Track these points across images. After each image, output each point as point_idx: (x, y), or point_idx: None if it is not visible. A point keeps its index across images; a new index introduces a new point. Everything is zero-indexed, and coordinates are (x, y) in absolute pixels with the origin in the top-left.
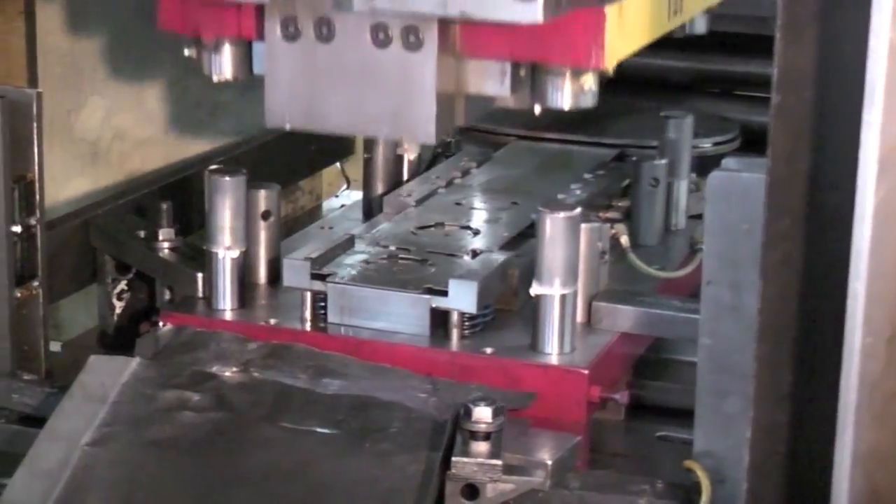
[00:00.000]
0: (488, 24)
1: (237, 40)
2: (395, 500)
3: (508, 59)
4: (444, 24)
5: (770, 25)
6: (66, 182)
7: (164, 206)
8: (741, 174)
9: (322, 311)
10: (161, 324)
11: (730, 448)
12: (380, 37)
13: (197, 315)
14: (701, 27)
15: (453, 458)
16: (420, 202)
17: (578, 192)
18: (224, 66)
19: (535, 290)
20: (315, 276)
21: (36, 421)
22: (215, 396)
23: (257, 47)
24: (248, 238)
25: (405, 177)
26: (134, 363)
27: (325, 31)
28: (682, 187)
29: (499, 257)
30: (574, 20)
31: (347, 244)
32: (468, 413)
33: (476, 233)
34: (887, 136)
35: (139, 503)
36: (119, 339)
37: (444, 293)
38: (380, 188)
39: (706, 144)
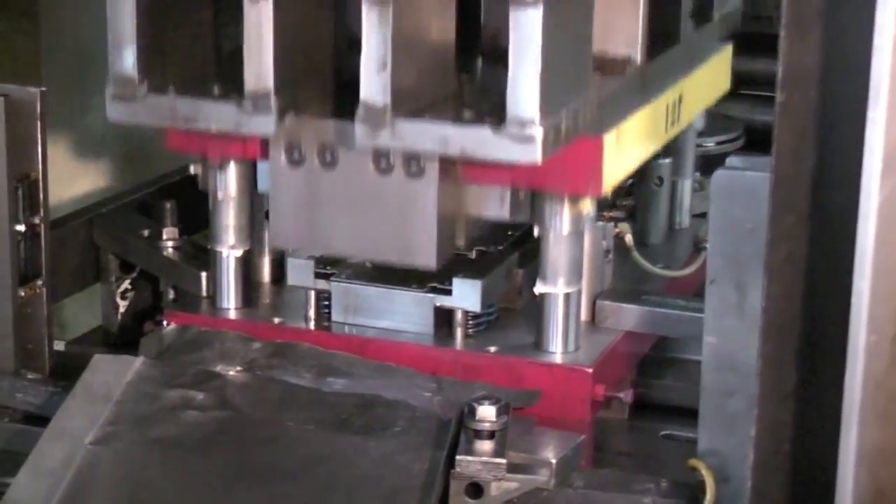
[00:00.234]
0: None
1: (242, 160)
2: (399, 498)
3: (508, 186)
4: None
5: (773, 24)
6: (70, 181)
7: (168, 205)
8: (745, 172)
9: (326, 310)
10: (165, 323)
11: (734, 446)
12: (382, 164)
13: (201, 314)
14: (699, 124)
15: (457, 457)
16: None
17: None
18: (229, 184)
19: (539, 288)
20: (319, 275)
21: (40, 420)
22: (219, 396)
23: (262, 166)
24: (252, 237)
25: None
26: (138, 362)
27: (328, 157)
28: (686, 186)
29: (503, 256)
30: (573, 149)
31: None
32: (472, 412)
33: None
34: (892, 134)
35: (143, 502)
36: (123, 339)
37: (449, 292)
38: None
39: (710, 143)
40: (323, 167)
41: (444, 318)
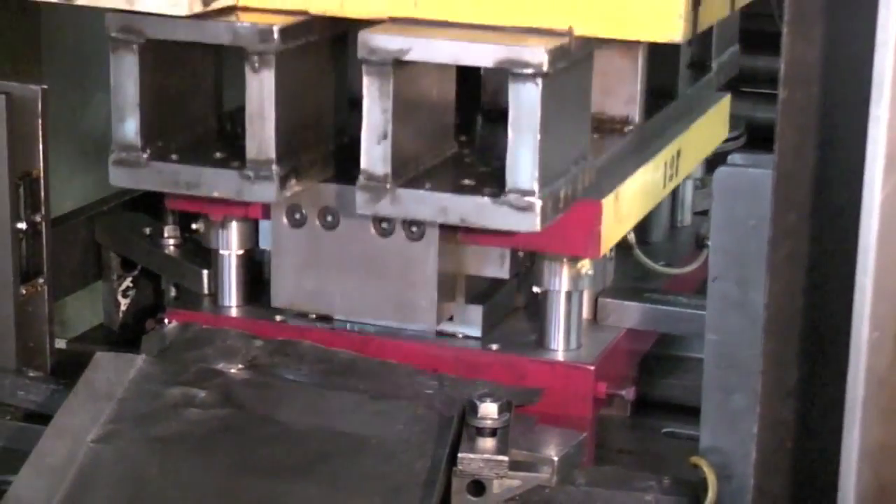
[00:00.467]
0: None
1: (244, 218)
2: (401, 496)
3: (507, 248)
4: None
5: (775, 21)
6: (71, 179)
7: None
8: (748, 170)
9: None
10: (167, 321)
11: (737, 444)
12: (383, 227)
13: (202, 312)
14: (697, 173)
15: (460, 455)
16: None
17: None
18: (232, 241)
19: (541, 286)
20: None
21: (42, 418)
22: (221, 393)
23: (264, 224)
24: (254, 234)
25: None
26: (140, 360)
27: (329, 219)
28: (688, 183)
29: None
30: (572, 213)
31: None
32: (474, 409)
33: None
34: (894, 131)
35: (145, 500)
36: (125, 336)
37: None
38: None
39: None
40: (324, 228)
41: None
